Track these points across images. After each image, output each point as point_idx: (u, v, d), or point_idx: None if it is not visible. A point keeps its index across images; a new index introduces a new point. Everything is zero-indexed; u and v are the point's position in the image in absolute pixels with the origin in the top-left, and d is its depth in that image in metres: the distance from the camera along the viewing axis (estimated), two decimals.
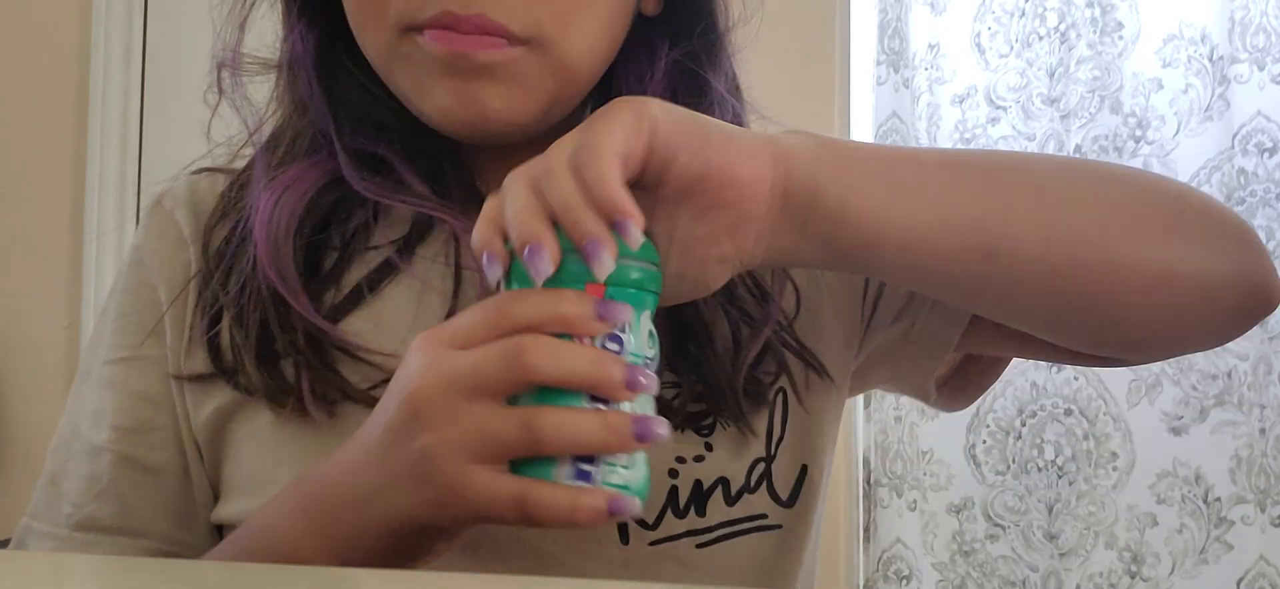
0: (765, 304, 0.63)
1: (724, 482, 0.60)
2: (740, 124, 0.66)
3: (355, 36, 0.61)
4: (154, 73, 2.19)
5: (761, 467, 0.62)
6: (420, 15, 0.56)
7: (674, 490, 0.59)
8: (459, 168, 0.64)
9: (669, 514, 0.59)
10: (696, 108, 0.64)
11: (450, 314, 0.59)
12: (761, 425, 0.62)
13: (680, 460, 0.59)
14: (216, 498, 0.62)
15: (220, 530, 0.62)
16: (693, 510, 0.59)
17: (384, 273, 0.61)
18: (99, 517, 0.60)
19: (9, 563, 0.44)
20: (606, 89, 0.65)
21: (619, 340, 0.46)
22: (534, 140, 0.62)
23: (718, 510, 0.60)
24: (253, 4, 0.66)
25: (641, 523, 0.58)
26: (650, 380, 0.46)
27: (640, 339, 0.47)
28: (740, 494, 0.61)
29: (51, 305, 2.17)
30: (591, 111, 0.67)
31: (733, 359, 0.61)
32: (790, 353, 0.64)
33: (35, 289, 2.18)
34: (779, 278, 0.65)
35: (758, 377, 0.62)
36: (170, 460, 0.61)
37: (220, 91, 0.65)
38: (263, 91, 0.66)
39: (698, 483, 0.59)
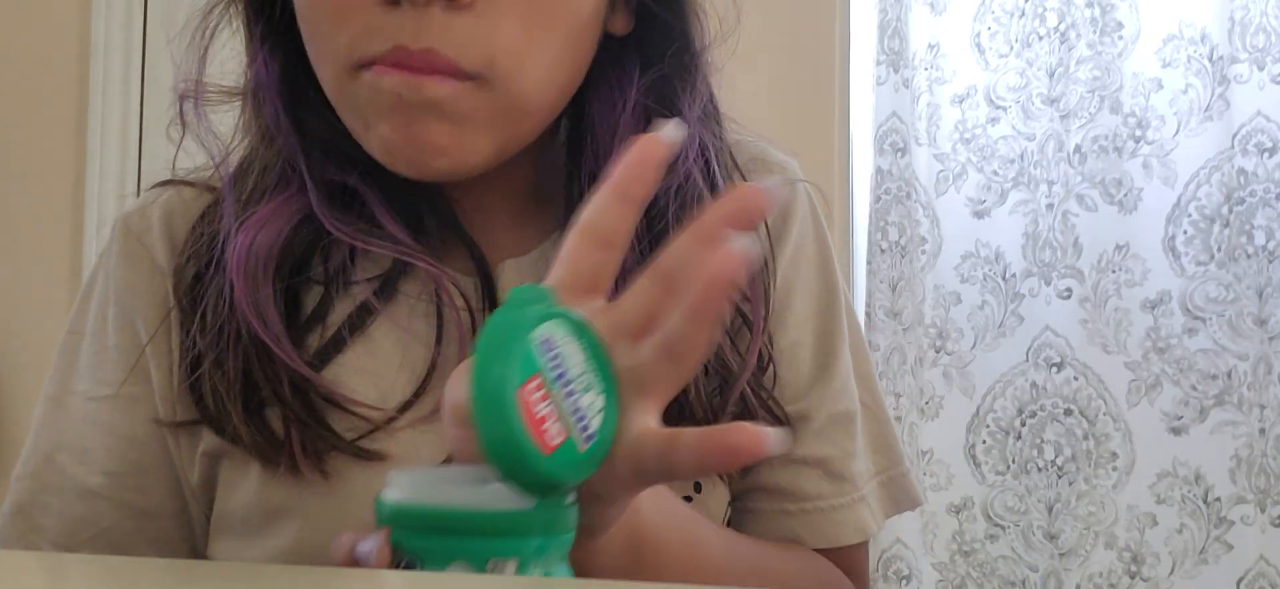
0: (741, 358, 0.62)
1: None
2: (707, 154, 0.63)
3: (314, 69, 0.59)
4: (154, 73, 2.19)
5: (729, 512, 0.63)
6: (371, 49, 0.54)
7: None
8: (435, 199, 0.62)
9: None
10: None
11: (434, 361, 0.58)
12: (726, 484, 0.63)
13: None
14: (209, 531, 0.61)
15: None
16: None
17: (366, 314, 0.59)
18: None
19: (9, 563, 0.44)
20: (578, 114, 0.62)
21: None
22: (501, 167, 0.60)
23: None
24: (214, 33, 0.63)
25: None
26: None
27: None
28: None
29: (51, 305, 2.17)
30: (565, 136, 0.64)
31: (714, 405, 0.60)
32: (759, 404, 0.62)
33: (35, 289, 2.18)
34: (755, 331, 0.63)
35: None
36: (165, 503, 0.60)
37: (183, 125, 0.62)
38: (227, 122, 0.64)
39: None
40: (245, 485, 0.57)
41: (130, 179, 2.18)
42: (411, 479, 0.42)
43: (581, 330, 0.41)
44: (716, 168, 0.63)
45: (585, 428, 0.40)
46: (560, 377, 0.39)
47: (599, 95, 0.62)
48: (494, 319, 0.39)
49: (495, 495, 0.39)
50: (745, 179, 0.66)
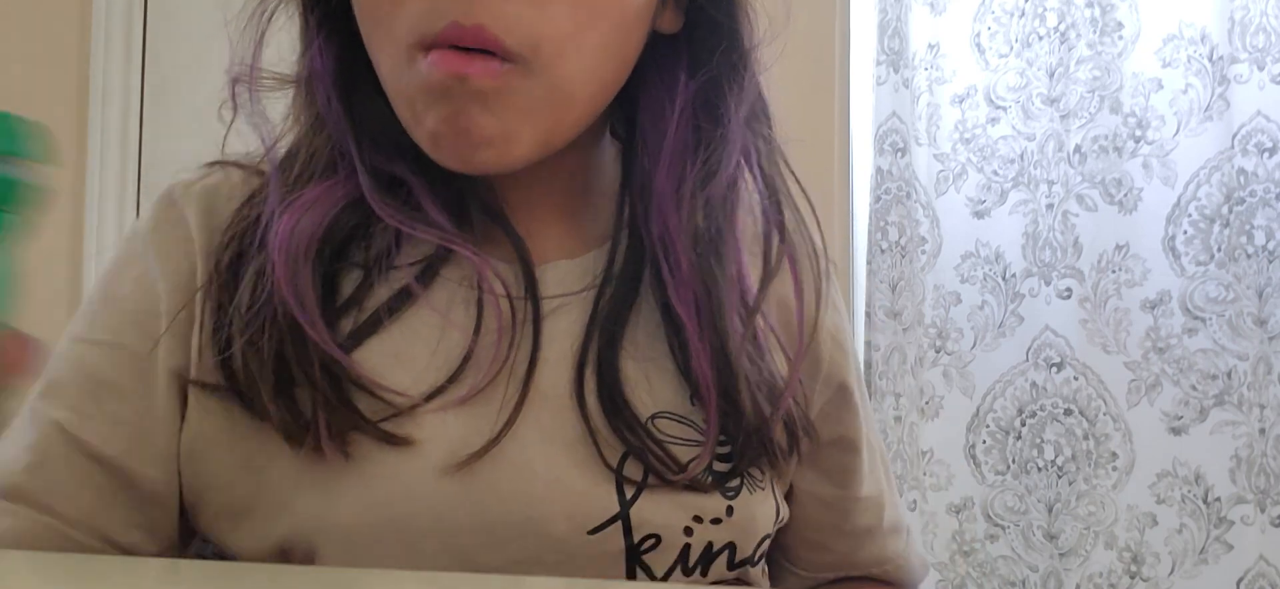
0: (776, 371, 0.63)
1: (732, 548, 0.60)
2: (754, 156, 0.63)
3: (371, 57, 0.60)
4: (154, 73, 2.19)
5: (766, 543, 0.62)
6: (429, 28, 0.54)
7: (686, 549, 0.59)
8: (482, 193, 0.62)
9: (678, 571, 0.59)
10: (712, 136, 0.62)
11: (471, 349, 0.58)
12: (778, 498, 0.63)
13: (697, 520, 0.58)
14: (191, 506, 0.60)
15: (221, 551, 0.61)
16: (698, 571, 0.59)
17: (404, 298, 0.59)
18: (29, 489, 0.57)
19: (8, 563, 0.44)
20: (630, 110, 0.63)
21: None
22: (548, 165, 0.61)
23: (718, 573, 0.60)
24: (271, 18, 0.64)
25: (650, 576, 0.58)
26: None
27: None
28: (743, 564, 0.60)
29: (52, 305, 2.17)
30: (615, 135, 0.66)
31: (766, 416, 0.61)
32: (801, 418, 0.64)
33: (35, 289, 2.18)
34: (798, 356, 0.65)
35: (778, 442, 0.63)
36: (117, 457, 0.58)
37: (235, 108, 0.63)
38: (276, 108, 0.64)
39: (709, 545, 0.59)
40: (277, 467, 0.57)
41: (130, 179, 2.18)
42: None
43: None
44: (763, 168, 0.63)
45: None
46: None
47: (647, 96, 0.62)
48: None
49: None
50: (794, 175, 0.67)
